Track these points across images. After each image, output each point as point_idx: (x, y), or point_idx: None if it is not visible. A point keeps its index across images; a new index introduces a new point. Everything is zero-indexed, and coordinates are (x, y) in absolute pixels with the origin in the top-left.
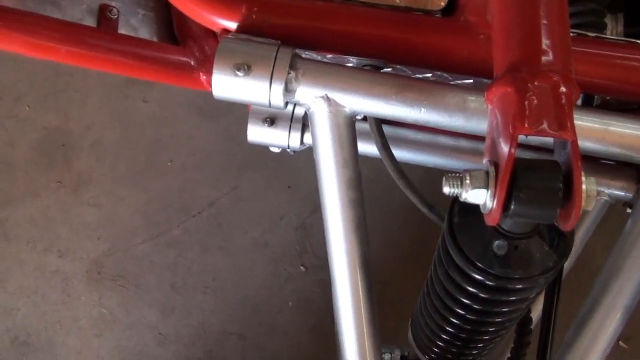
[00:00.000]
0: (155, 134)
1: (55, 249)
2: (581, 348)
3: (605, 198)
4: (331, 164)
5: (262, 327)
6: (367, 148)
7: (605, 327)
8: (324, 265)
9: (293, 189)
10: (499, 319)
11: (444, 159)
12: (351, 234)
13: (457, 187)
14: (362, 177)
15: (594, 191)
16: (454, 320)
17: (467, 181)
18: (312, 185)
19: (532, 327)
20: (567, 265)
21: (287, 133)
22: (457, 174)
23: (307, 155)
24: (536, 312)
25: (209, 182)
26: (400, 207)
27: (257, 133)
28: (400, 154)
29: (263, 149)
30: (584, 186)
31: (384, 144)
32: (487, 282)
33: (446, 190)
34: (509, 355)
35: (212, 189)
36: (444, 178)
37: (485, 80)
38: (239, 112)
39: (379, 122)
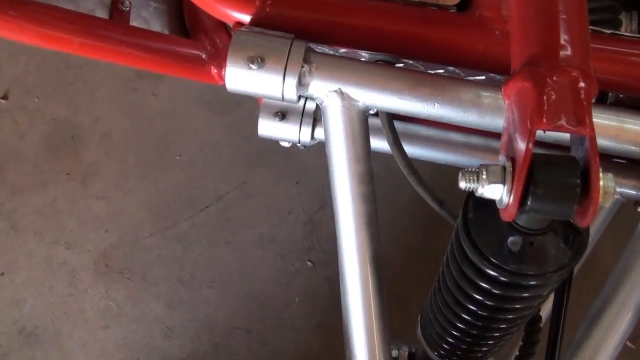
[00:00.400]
0: (164, 127)
1: (62, 241)
2: (591, 347)
3: (616, 197)
4: (343, 159)
5: (268, 321)
6: (378, 144)
7: (615, 327)
8: (331, 261)
9: (301, 184)
10: (511, 316)
11: (455, 155)
12: (362, 229)
13: (473, 182)
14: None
15: (612, 188)
16: (465, 317)
17: (484, 176)
18: (321, 181)
19: (541, 325)
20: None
21: (298, 127)
22: (474, 169)
23: (316, 151)
24: (545, 311)
25: (217, 177)
26: (409, 203)
27: (267, 127)
28: (411, 150)
29: (272, 143)
30: (601, 182)
31: (396, 140)
32: (501, 278)
33: (462, 185)
34: (517, 353)
35: (220, 184)
36: (460, 173)
37: (498, 77)
38: (248, 107)
39: (391, 118)
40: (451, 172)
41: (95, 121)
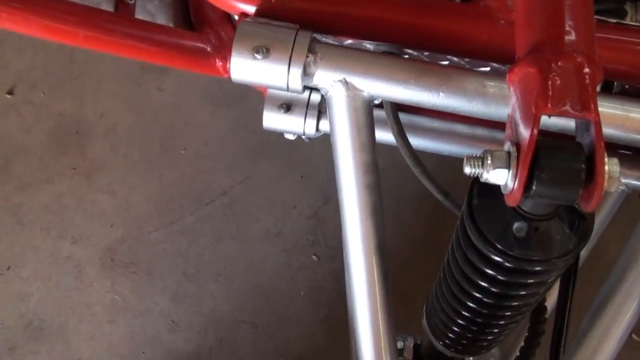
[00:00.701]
0: (169, 122)
1: (69, 235)
2: (596, 337)
3: (622, 188)
4: (348, 149)
5: (274, 315)
6: (383, 135)
7: (620, 316)
8: (336, 255)
9: (306, 178)
10: (516, 303)
11: (459, 147)
12: (367, 219)
13: (478, 167)
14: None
15: (617, 173)
16: (471, 305)
17: (489, 161)
18: (325, 175)
19: (546, 316)
20: (582, 255)
21: (303, 119)
22: (478, 154)
23: (320, 145)
24: (551, 302)
25: (222, 171)
26: (413, 197)
27: (272, 119)
28: (415, 141)
29: (276, 137)
30: (606, 167)
31: (400, 131)
32: (506, 264)
33: (467, 170)
34: (522, 344)
35: (225, 178)
36: (464, 158)
37: (503, 68)
38: (253, 101)
39: (395, 108)
40: (456, 166)
41: (101, 116)
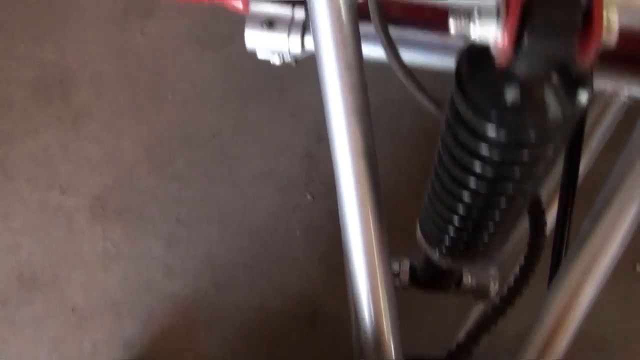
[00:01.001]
0: (155, 66)
1: (57, 185)
2: (597, 239)
3: (623, 100)
4: (331, 48)
5: (270, 256)
6: (372, 51)
7: (621, 219)
8: (330, 193)
9: (297, 118)
10: (512, 189)
11: (453, 60)
12: (354, 123)
13: (465, 21)
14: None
15: (615, 22)
16: (465, 196)
17: (476, 14)
18: (317, 115)
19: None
20: (580, 173)
21: (287, 35)
22: (466, 9)
23: (311, 85)
24: (550, 220)
25: (211, 114)
26: (409, 132)
27: (255, 37)
28: (406, 56)
29: (266, 78)
30: (604, 15)
31: (389, 43)
32: (500, 140)
33: (452, 26)
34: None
35: (214, 120)
36: (450, 15)
37: None
38: (240, 42)
39: (383, 15)
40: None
41: (84, 64)
